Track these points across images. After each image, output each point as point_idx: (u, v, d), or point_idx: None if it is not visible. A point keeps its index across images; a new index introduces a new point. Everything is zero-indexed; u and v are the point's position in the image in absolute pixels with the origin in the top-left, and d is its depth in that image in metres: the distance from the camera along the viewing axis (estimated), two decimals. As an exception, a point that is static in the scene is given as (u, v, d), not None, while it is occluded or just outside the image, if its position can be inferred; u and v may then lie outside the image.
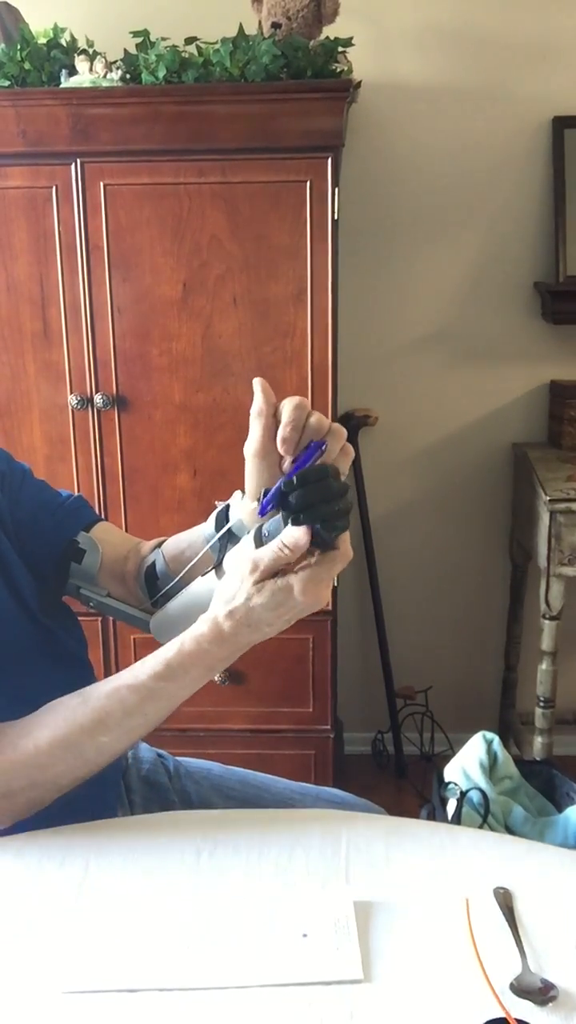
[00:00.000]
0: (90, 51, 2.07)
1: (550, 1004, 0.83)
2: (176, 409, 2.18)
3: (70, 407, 2.18)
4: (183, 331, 2.13)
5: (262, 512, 0.97)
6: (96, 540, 1.26)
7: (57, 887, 1.00)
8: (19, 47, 2.01)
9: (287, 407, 0.99)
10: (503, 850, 1.06)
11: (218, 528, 1.14)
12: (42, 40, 2.07)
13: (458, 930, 0.91)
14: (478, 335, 2.54)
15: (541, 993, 0.83)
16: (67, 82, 2.04)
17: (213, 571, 1.12)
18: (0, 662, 1.16)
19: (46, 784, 1.07)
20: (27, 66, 2.02)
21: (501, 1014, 0.79)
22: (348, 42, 2.06)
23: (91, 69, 2.03)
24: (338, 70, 2.06)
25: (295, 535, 0.94)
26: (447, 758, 1.98)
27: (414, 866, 1.02)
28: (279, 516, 0.97)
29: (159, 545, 1.27)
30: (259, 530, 1.00)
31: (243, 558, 0.99)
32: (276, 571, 0.97)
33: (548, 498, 2.17)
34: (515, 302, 2.51)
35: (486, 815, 1.70)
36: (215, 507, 1.15)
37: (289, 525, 0.95)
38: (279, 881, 1.00)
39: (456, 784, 1.77)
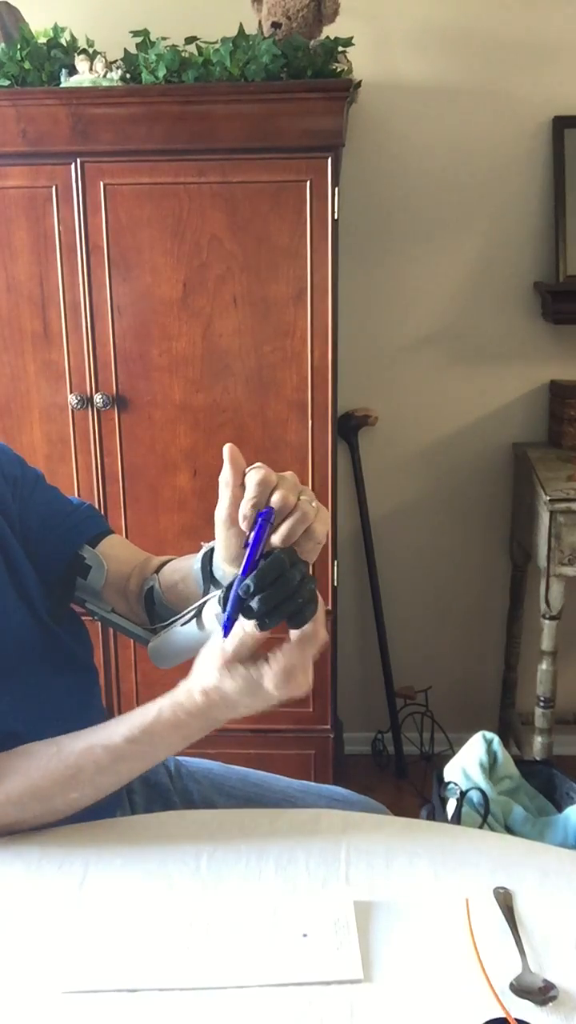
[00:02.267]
0: (90, 51, 2.07)
1: (550, 1004, 0.83)
2: (176, 409, 2.18)
3: (70, 407, 2.18)
4: (183, 331, 2.13)
5: (226, 632, 0.94)
6: (102, 556, 1.26)
7: (57, 887, 1.00)
8: (19, 47, 2.01)
9: (251, 482, 0.94)
10: (503, 850, 1.06)
11: (203, 569, 1.12)
12: (42, 40, 2.07)
13: (458, 930, 0.91)
14: (478, 335, 2.54)
15: (541, 993, 0.83)
16: (67, 82, 2.04)
17: (193, 620, 1.11)
18: (7, 665, 1.16)
19: (6, 828, 1.08)
20: (27, 66, 2.02)
21: (501, 1014, 0.79)
22: (348, 42, 2.06)
23: (91, 69, 2.03)
24: (338, 70, 2.06)
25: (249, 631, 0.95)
26: (447, 758, 1.98)
27: (414, 866, 1.02)
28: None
29: (163, 565, 1.25)
30: (227, 596, 0.96)
31: (213, 642, 0.99)
32: (245, 655, 0.97)
33: (548, 498, 2.17)
34: (515, 302, 2.51)
35: (486, 815, 1.70)
36: (200, 547, 1.13)
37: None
38: (279, 881, 1.00)
39: (456, 784, 1.77)
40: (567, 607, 2.28)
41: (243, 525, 0.94)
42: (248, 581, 0.91)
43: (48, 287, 2.12)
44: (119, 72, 2.04)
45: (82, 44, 2.12)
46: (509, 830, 1.74)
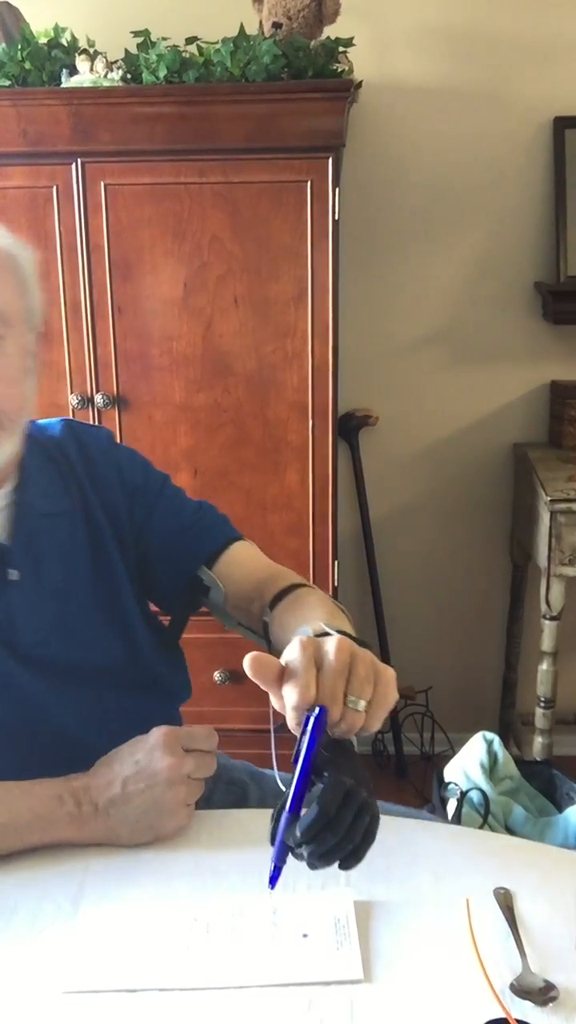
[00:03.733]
0: (91, 51, 2.07)
1: (550, 1004, 0.83)
2: (176, 409, 2.18)
3: (71, 407, 2.18)
4: (184, 331, 2.13)
5: (272, 885, 0.85)
6: (218, 577, 1.21)
7: (57, 887, 1.00)
8: (20, 47, 2.01)
9: (288, 703, 0.84)
10: (503, 850, 1.06)
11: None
12: (43, 40, 2.07)
13: (458, 930, 0.91)
14: (478, 335, 2.53)
15: (541, 993, 0.83)
16: (68, 82, 2.04)
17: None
18: (83, 677, 1.17)
19: None
20: (28, 66, 2.02)
21: (501, 1014, 0.79)
22: (349, 42, 2.06)
23: (92, 69, 2.03)
24: (339, 70, 2.06)
25: None
26: (447, 758, 1.98)
27: (414, 866, 1.01)
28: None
29: (280, 596, 1.16)
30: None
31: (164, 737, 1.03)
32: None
33: (548, 498, 2.17)
34: (515, 302, 2.51)
35: (486, 815, 1.70)
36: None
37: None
38: (279, 881, 0.99)
39: (456, 784, 1.77)
40: (567, 607, 2.28)
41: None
42: (296, 832, 0.83)
43: (48, 287, 2.12)
44: (120, 72, 2.05)
45: (83, 44, 2.12)
46: (509, 830, 1.74)
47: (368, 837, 0.85)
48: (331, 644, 0.84)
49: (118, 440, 2.17)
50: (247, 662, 0.85)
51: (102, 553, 1.21)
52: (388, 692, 0.86)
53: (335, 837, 0.83)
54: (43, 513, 1.18)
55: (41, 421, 1.29)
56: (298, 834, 0.82)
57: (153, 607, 1.30)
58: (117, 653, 1.21)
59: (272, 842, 0.85)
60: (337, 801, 0.83)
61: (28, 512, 1.17)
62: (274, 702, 0.86)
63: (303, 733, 0.84)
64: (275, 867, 0.85)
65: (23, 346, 1.15)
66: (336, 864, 0.85)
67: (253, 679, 0.85)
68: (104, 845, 1.05)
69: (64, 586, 1.18)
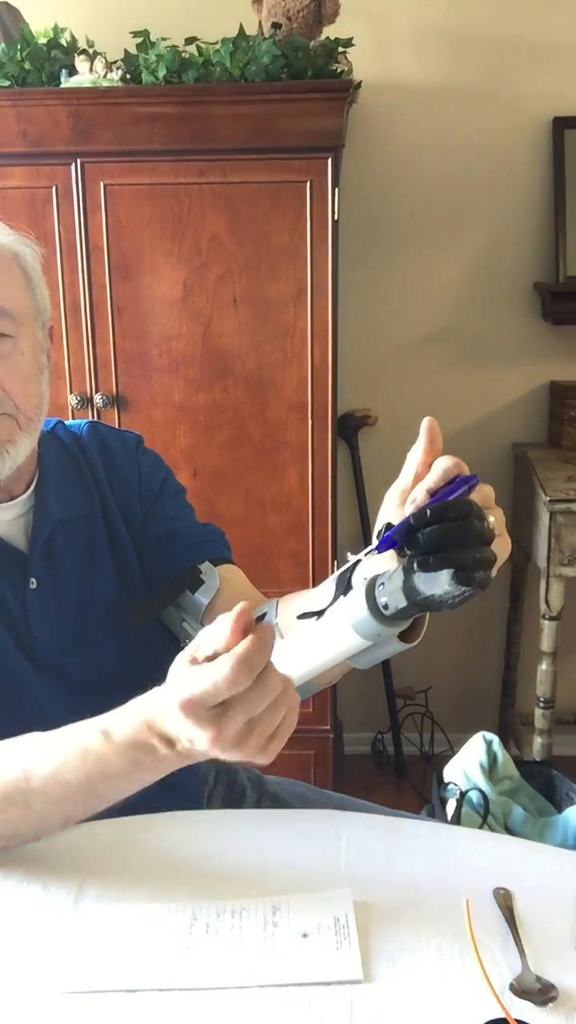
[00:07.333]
0: (90, 51, 2.07)
1: (550, 1004, 0.83)
2: (176, 409, 2.18)
3: (70, 407, 2.18)
4: (183, 331, 2.13)
5: (380, 548, 0.82)
6: (219, 576, 1.20)
7: (58, 887, 1.00)
8: (19, 47, 2.01)
9: (438, 467, 0.87)
10: (503, 850, 1.06)
11: (339, 582, 0.96)
12: (42, 40, 2.07)
13: (458, 930, 0.91)
14: (478, 335, 2.54)
15: (541, 993, 0.83)
16: (67, 82, 2.04)
17: (315, 616, 0.96)
18: (99, 689, 1.15)
19: None
20: (27, 66, 2.02)
21: (501, 1014, 0.79)
22: (348, 42, 2.06)
23: (91, 69, 2.03)
24: (338, 70, 2.06)
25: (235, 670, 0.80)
26: (447, 758, 1.98)
27: (414, 866, 1.02)
28: (398, 570, 0.82)
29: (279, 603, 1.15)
30: (372, 583, 0.85)
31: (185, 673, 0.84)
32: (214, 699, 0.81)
33: (548, 498, 2.17)
34: (515, 302, 2.51)
35: (486, 815, 1.70)
36: (346, 559, 0.95)
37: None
38: (279, 881, 1.00)
39: (456, 784, 1.77)
40: (567, 607, 2.28)
41: (408, 509, 0.85)
42: (426, 508, 0.80)
43: (48, 287, 2.12)
44: (119, 72, 2.05)
45: (82, 44, 2.12)
46: (509, 830, 1.74)
47: (487, 564, 0.80)
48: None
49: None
50: (429, 420, 0.92)
51: (122, 558, 1.21)
52: (508, 540, 0.89)
53: (465, 532, 0.79)
54: (61, 518, 1.18)
55: (69, 422, 1.29)
56: (431, 510, 0.79)
57: None
58: (137, 662, 1.19)
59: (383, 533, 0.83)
60: (480, 511, 0.81)
61: (47, 519, 1.16)
62: (407, 477, 0.91)
63: (451, 485, 0.85)
64: (391, 532, 0.81)
65: (36, 343, 1.15)
66: (450, 569, 0.78)
67: (424, 436, 0.92)
68: (104, 845, 1.05)
69: (84, 594, 1.18)
